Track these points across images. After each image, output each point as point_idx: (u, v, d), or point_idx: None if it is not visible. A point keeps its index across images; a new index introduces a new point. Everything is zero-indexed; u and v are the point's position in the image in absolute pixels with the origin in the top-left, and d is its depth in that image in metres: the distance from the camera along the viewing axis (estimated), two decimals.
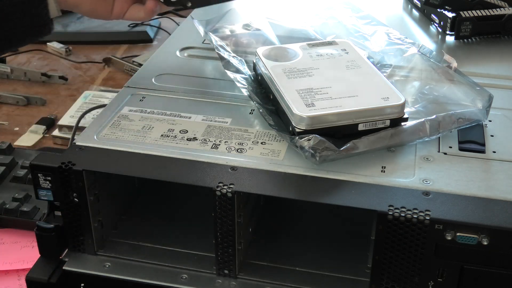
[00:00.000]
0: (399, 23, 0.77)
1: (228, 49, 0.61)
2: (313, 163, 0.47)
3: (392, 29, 0.66)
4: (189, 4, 0.57)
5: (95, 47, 1.09)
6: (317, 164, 0.47)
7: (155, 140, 0.51)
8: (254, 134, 0.52)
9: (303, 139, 0.47)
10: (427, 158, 0.49)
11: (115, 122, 0.54)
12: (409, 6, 0.81)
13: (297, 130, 0.48)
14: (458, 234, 0.42)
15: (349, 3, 0.73)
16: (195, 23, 0.65)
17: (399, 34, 0.65)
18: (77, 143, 0.51)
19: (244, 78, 0.57)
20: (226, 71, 0.59)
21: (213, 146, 0.50)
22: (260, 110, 0.53)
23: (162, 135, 0.52)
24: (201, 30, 0.64)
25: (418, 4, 0.78)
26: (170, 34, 0.72)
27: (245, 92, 0.55)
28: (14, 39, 0.59)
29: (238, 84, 0.57)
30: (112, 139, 0.51)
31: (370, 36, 0.65)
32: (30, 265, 0.52)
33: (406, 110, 0.51)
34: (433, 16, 0.75)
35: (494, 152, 0.50)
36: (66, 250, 0.52)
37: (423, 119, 0.51)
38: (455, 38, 0.71)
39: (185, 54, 0.67)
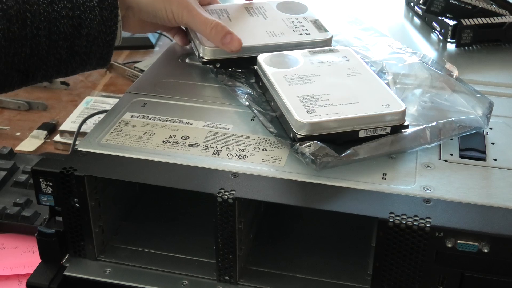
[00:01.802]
0: (400, 30, 0.77)
1: None
2: (313, 169, 0.47)
3: (394, 40, 0.66)
4: (218, 65, 0.61)
5: None
6: (318, 170, 0.47)
7: (156, 146, 0.51)
8: (255, 140, 0.52)
9: (303, 145, 0.47)
10: (428, 165, 0.49)
11: (116, 128, 0.54)
12: (410, 14, 0.82)
13: (298, 136, 0.48)
14: (458, 241, 0.42)
15: (352, 15, 0.74)
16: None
17: (400, 45, 0.65)
18: (78, 149, 0.51)
19: (244, 89, 0.58)
20: (228, 83, 0.59)
21: (215, 152, 0.51)
22: (260, 119, 0.53)
23: (163, 141, 0.52)
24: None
25: (419, 12, 0.79)
26: (171, 40, 0.72)
27: (243, 101, 0.56)
28: (71, 73, 0.59)
29: (237, 93, 0.57)
30: (113, 145, 0.52)
31: (372, 46, 0.65)
32: (30, 270, 0.52)
33: (407, 117, 0.51)
34: (434, 24, 0.75)
35: (495, 159, 0.50)
36: (67, 255, 0.52)
37: (423, 126, 0.51)
38: (456, 46, 0.71)
39: (187, 61, 0.67)
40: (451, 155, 0.51)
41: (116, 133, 0.53)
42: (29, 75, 0.56)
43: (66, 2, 0.54)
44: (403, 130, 0.50)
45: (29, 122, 0.88)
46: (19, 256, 0.63)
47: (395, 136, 0.50)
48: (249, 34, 0.62)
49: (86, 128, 0.75)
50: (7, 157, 0.75)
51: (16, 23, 0.52)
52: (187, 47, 0.69)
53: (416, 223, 0.42)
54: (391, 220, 0.43)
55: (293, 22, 0.66)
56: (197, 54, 0.63)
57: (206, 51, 0.61)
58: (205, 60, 0.61)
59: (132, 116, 0.56)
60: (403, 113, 0.50)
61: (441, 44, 0.73)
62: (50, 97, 0.94)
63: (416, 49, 0.66)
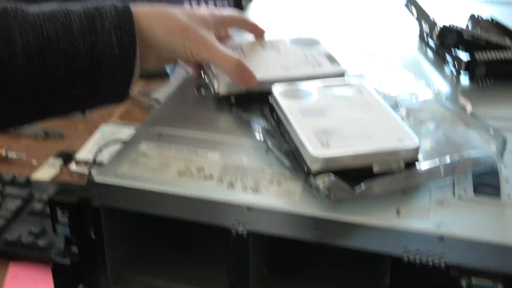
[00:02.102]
0: (413, 63, 0.77)
1: None
2: (327, 204, 0.48)
3: (407, 73, 0.67)
4: (233, 101, 0.62)
5: None
6: (332, 205, 0.47)
7: (172, 178, 0.52)
8: (270, 173, 0.52)
9: (317, 179, 0.48)
10: (442, 202, 0.49)
11: (133, 159, 0.55)
12: (424, 46, 0.82)
13: (312, 170, 0.49)
14: (473, 280, 0.42)
15: (365, 49, 0.75)
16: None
17: (414, 78, 0.66)
18: (95, 179, 0.52)
19: (258, 122, 0.58)
20: (243, 116, 0.60)
21: (229, 184, 0.51)
22: (275, 152, 0.54)
23: (179, 173, 0.52)
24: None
25: (433, 45, 0.79)
26: (187, 72, 0.73)
27: (257, 136, 0.56)
28: (88, 109, 0.61)
29: (252, 126, 0.58)
30: (129, 176, 0.52)
31: (386, 79, 0.66)
32: None
33: (420, 152, 0.51)
34: (447, 57, 0.75)
35: (509, 196, 0.50)
36: (81, 285, 0.52)
37: (437, 162, 0.51)
38: (470, 80, 0.71)
39: (202, 92, 0.68)
40: (465, 191, 0.51)
41: (132, 164, 0.54)
42: (47, 111, 0.56)
43: (86, 39, 0.55)
44: (416, 165, 0.50)
45: (45, 150, 0.89)
46: (33, 286, 0.63)
47: (408, 171, 0.50)
48: (263, 69, 0.63)
49: (101, 157, 0.76)
50: (23, 186, 0.76)
51: (36, 60, 0.53)
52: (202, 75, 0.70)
53: (430, 261, 0.42)
54: (406, 257, 0.43)
55: (306, 56, 0.66)
56: (211, 90, 0.64)
57: (221, 86, 0.62)
58: (220, 95, 0.62)
59: (148, 147, 0.56)
60: (417, 148, 0.50)
61: (454, 78, 0.74)
62: (66, 126, 0.96)
63: (430, 83, 0.67)
